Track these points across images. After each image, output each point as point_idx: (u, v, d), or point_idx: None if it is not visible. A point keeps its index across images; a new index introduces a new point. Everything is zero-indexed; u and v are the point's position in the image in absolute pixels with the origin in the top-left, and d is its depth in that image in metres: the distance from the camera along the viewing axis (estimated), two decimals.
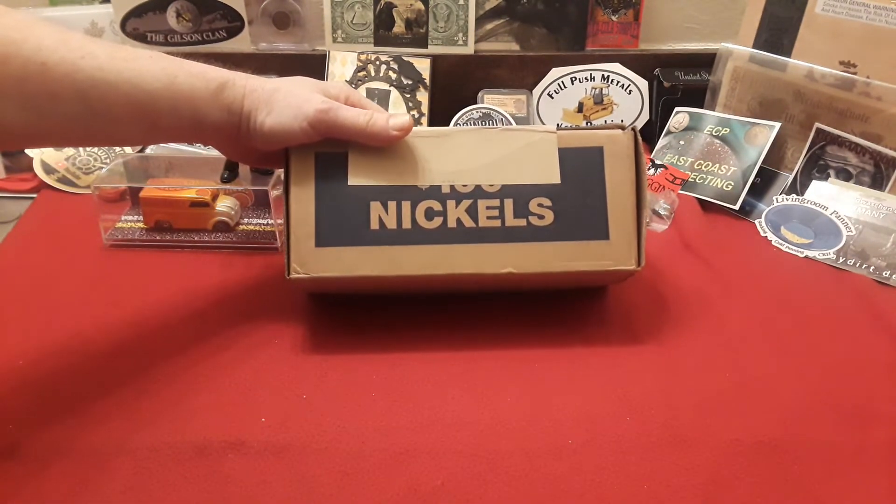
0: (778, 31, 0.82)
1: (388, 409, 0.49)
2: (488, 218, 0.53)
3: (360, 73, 0.93)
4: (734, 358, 0.55)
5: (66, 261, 0.67)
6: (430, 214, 0.53)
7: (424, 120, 0.93)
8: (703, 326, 0.59)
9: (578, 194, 0.54)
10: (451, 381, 0.52)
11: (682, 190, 0.79)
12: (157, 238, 0.70)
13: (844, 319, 0.60)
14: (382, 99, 0.92)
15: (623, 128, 0.55)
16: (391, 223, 0.53)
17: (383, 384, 0.52)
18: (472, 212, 0.53)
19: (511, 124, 0.90)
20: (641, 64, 0.93)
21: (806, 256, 0.70)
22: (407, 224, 0.53)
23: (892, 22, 0.74)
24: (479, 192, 0.54)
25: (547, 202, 0.54)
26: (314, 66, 0.92)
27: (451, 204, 0.53)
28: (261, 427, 0.48)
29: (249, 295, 0.61)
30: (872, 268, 0.67)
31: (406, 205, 0.53)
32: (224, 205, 0.70)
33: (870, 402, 0.51)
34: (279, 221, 0.66)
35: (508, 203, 0.53)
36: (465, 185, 0.54)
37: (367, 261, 0.53)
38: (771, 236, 0.73)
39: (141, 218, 0.71)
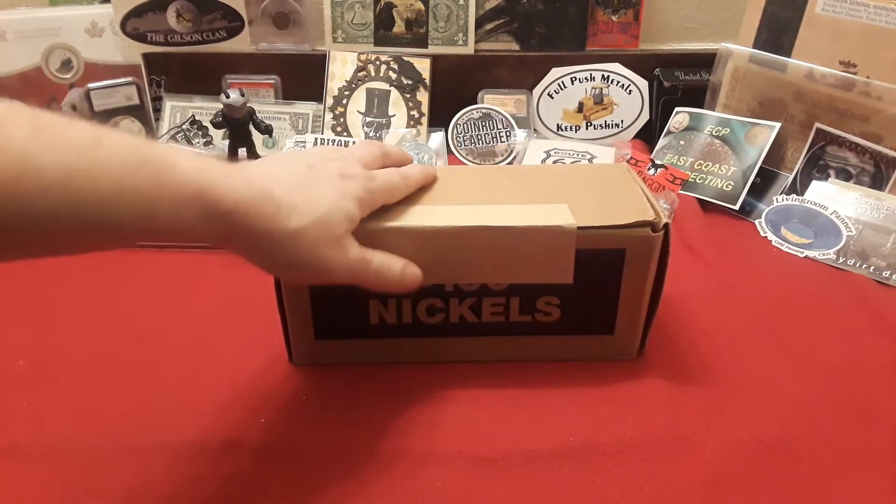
0: (778, 31, 0.82)
1: (388, 410, 0.49)
2: (492, 314, 0.51)
3: (360, 73, 0.93)
4: (734, 358, 0.55)
5: (66, 261, 0.67)
6: (431, 311, 0.51)
7: (425, 120, 0.93)
8: (704, 326, 0.58)
9: (590, 294, 0.50)
10: (452, 383, 0.52)
11: (682, 190, 0.79)
12: None
13: (845, 319, 0.60)
14: (382, 99, 0.92)
15: (654, 226, 0.47)
16: (391, 318, 0.51)
17: (383, 385, 0.51)
18: (476, 308, 0.51)
19: (512, 127, 0.90)
20: (641, 64, 0.93)
21: (806, 256, 0.70)
22: (408, 319, 0.51)
23: (893, 22, 0.74)
24: (484, 291, 0.50)
25: (555, 300, 0.51)
26: (314, 66, 0.92)
27: (454, 301, 0.51)
28: (261, 428, 0.48)
29: (250, 295, 0.61)
30: (872, 268, 0.67)
31: (406, 302, 0.51)
32: None
33: (871, 403, 0.51)
34: None
35: (515, 301, 0.51)
36: (469, 285, 0.50)
37: (368, 351, 0.53)
38: (771, 236, 0.73)
39: None
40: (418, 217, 0.47)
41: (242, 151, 0.72)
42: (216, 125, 0.72)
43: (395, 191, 0.48)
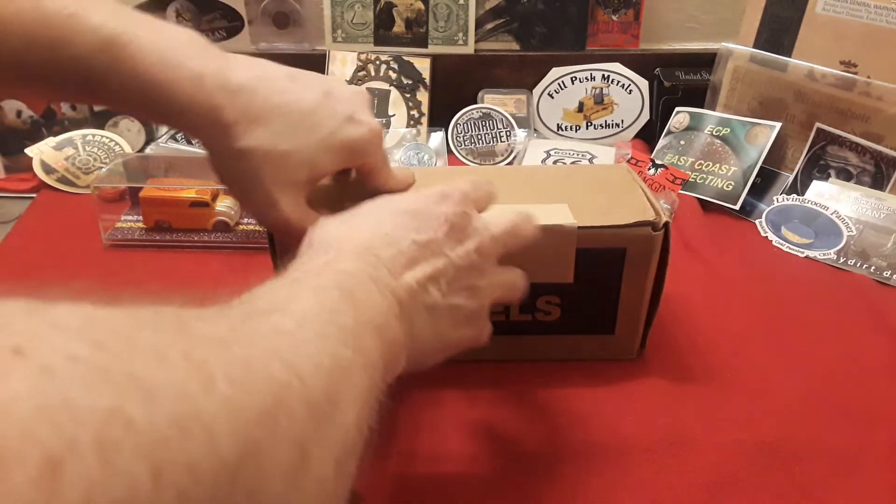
0: (778, 31, 0.82)
1: (387, 410, 0.49)
2: (493, 313, 0.50)
3: (360, 73, 0.92)
4: (735, 358, 0.55)
5: (66, 261, 0.67)
6: None
7: (425, 120, 0.92)
8: (704, 326, 0.58)
9: (590, 293, 0.50)
10: (451, 383, 0.52)
11: (682, 190, 0.79)
12: (157, 238, 0.70)
13: (845, 320, 0.60)
14: (382, 99, 0.92)
15: (654, 225, 0.47)
16: None
17: None
18: None
19: (513, 127, 0.90)
20: (642, 64, 0.93)
21: (806, 256, 0.70)
22: None
23: (893, 22, 0.74)
24: None
25: (556, 300, 0.50)
26: (314, 65, 0.92)
27: None
28: None
29: None
30: (873, 268, 0.67)
31: None
32: (224, 205, 0.70)
33: (871, 403, 0.51)
34: None
35: None
36: None
37: None
38: (771, 236, 0.73)
39: (141, 218, 0.71)
40: None
41: None
42: None
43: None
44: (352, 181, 0.50)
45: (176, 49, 0.37)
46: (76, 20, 0.36)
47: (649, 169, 0.80)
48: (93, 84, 0.37)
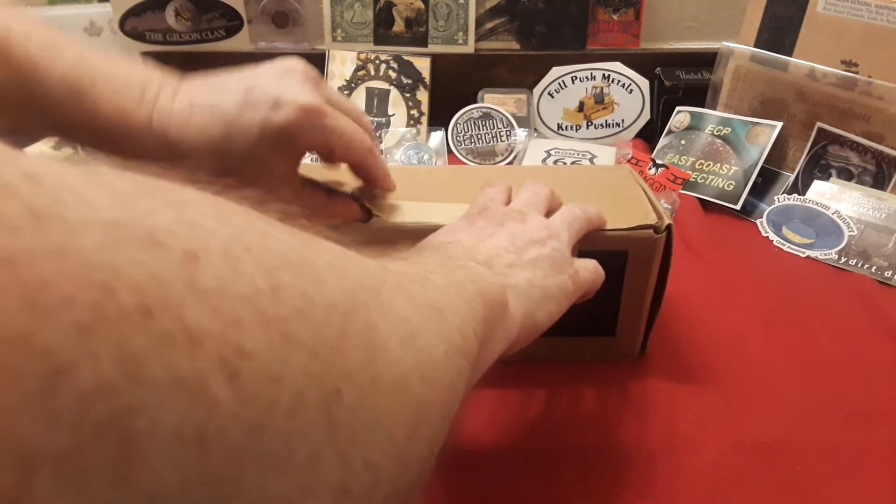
0: (779, 31, 0.82)
1: None
2: None
3: (360, 73, 0.92)
4: (735, 358, 0.55)
5: None
6: None
7: (424, 119, 0.92)
8: (705, 327, 0.58)
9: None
10: None
11: (683, 190, 0.79)
12: None
13: (846, 320, 0.60)
14: (382, 98, 0.92)
15: (656, 228, 0.47)
16: None
17: None
18: None
19: (513, 126, 0.90)
20: (642, 63, 0.93)
21: (807, 256, 0.70)
22: None
23: (894, 21, 0.74)
24: None
25: None
26: (314, 65, 0.92)
27: None
28: None
29: None
30: (874, 268, 0.67)
31: None
32: None
33: (872, 403, 0.50)
34: None
35: None
36: None
37: None
38: (772, 236, 0.73)
39: None
40: (418, 215, 0.47)
41: None
42: None
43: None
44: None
45: (129, 97, 0.40)
46: (40, 72, 0.38)
47: (650, 168, 0.80)
48: (60, 128, 0.40)
